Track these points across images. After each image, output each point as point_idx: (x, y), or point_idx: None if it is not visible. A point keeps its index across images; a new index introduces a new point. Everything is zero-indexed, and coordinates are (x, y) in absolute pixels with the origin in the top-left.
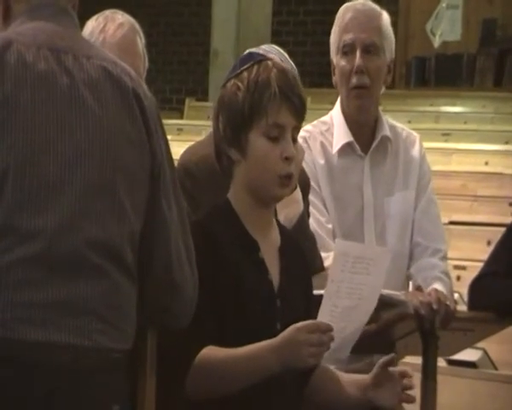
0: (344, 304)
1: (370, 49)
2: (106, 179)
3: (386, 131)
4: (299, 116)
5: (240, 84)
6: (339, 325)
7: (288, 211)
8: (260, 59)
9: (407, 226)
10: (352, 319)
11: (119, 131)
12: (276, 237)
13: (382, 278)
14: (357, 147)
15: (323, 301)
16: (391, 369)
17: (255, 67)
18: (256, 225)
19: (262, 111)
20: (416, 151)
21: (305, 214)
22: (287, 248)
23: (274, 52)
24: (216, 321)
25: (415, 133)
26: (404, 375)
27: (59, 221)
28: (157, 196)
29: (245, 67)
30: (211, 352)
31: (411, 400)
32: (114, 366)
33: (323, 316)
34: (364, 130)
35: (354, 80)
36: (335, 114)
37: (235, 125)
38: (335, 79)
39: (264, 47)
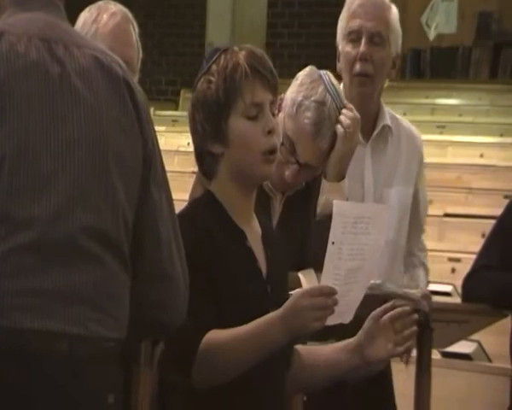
0: (347, 266)
1: (376, 39)
2: (99, 167)
3: (387, 121)
4: (274, 90)
5: (211, 77)
6: (343, 288)
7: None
8: (226, 48)
9: (405, 219)
10: (357, 280)
11: (111, 118)
12: (257, 226)
13: (383, 236)
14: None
15: (325, 265)
16: (382, 319)
17: (222, 57)
18: (240, 214)
19: (237, 92)
20: (417, 152)
21: None
22: (268, 237)
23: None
24: (213, 310)
25: (418, 133)
26: (396, 318)
27: (54, 209)
28: (148, 184)
29: (212, 60)
30: (214, 336)
31: (408, 347)
32: (109, 355)
33: (326, 280)
34: (366, 118)
35: (358, 67)
36: None
37: (214, 116)
38: (339, 65)
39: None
